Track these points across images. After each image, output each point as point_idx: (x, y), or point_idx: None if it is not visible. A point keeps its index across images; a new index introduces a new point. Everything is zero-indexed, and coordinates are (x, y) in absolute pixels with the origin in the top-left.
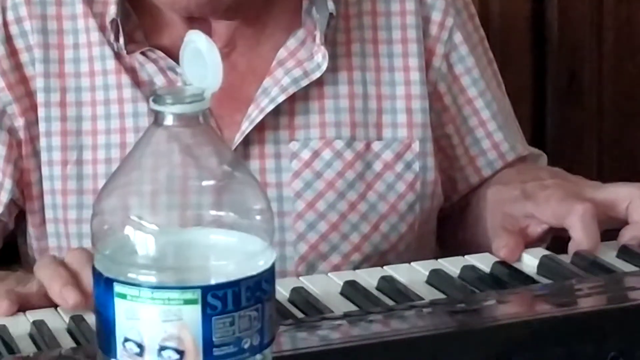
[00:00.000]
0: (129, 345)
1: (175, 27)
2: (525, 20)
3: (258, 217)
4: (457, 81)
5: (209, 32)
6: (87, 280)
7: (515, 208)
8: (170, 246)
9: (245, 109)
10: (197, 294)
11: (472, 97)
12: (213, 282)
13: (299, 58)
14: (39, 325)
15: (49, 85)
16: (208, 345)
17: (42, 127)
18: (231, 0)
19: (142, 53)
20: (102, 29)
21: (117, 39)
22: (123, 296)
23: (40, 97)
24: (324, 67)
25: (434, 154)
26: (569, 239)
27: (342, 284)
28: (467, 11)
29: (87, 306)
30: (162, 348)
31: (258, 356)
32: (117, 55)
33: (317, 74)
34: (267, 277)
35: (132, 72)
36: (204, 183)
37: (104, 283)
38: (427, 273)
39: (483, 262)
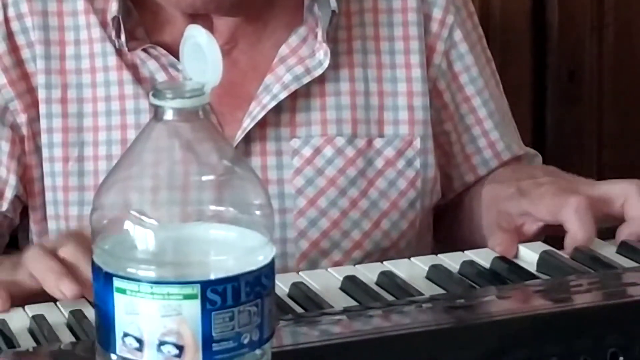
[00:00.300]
0: (128, 340)
1: (177, 24)
2: (525, 18)
3: (258, 213)
4: (456, 79)
5: (210, 28)
6: (85, 269)
7: (510, 206)
8: (169, 241)
9: (246, 106)
10: (196, 289)
11: (470, 95)
12: (212, 277)
13: (300, 55)
14: (38, 320)
15: (50, 82)
16: (207, 340)
17: (43, 123)
18: None
19: (144, 50)
20: (103, 25)
21: (118, 36)
22: (122, 291)
23: (41, 94)
24: (326, 64)
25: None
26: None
27: (341, 279)
28: (466, 9)
29: (87, 294)
30: (162, 343)
31: (257, 351)
32: (119, 52)
33: (319, 71)
34: (267, 272)
35: (133, 68)
36: (204, 178)
37: (104, 278)
38: (426, 268)
39: (483, 257)
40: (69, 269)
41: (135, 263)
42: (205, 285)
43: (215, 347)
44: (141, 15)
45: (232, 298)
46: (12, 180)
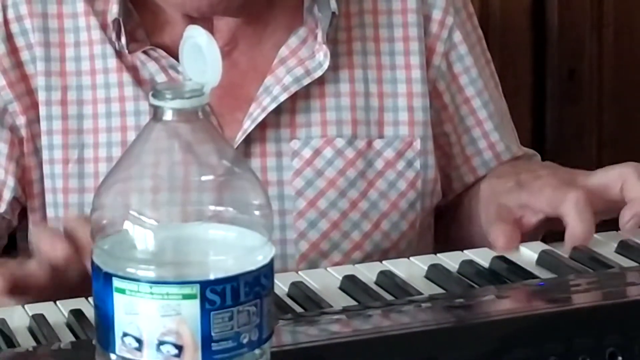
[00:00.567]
0: (127, 339)
1: (177, 26)
2: (525, 17)
3: (257, 213)
4: (456, 80)
5: (210, 29)
6: (84, 234)
7: (509, 198)
8: (169, 241)
9: (246, 108)
10: (195, 289)
11: (470, 97)
12: (212, 277)
13: (300, 56)
14: (38, 319)
15: (50, 84)
16: (207, 340)
17: (43, 125)
18: None
19: (144, 52)
20: (103, 27)
21: (118, 38)
22: (122, 291)
23: (41, 96)
24: (326, 65)
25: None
26: (564, 231)
27: (341, 278)
28: (466, 10)
29: (84, 259)
30: (161, 343)
31: (257, 351)
32: (119, 54)
33: (319, 73)
34: (266, 272)
35: (133, 70)
36: (203, 178)
37: (103, 278)
38: (426, 268)
39: (482, 257)
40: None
41: (134, 263)
42: (205, 285)
43: (215, 346)
44: (141, 17)
45: (232, 298)
46: (11, 182)
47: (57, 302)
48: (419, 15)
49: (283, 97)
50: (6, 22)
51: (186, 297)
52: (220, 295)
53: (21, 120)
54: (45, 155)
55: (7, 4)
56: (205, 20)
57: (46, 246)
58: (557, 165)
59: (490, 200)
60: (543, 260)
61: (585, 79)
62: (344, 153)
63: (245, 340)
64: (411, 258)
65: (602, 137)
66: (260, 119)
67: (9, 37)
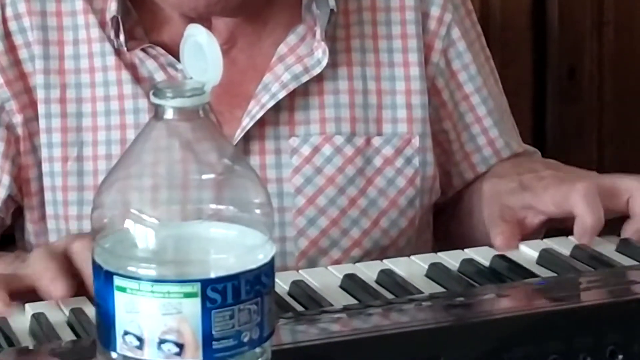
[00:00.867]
0: (128, 338)
1: (175, 24)
2: (525, 16)
3: (258, 211)
4: (455, 77)
5: (209, 28)
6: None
7: (512, 200)
8: (170, 240)
9: (245, 105)
10: (196, 288)
11: (469, 93)
12: (213, 275)
13: (299, 54)
14: (38, 318)
15: (48, 82)
16: (207, 338)
17: (42, 123)
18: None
19: (142, 49)
20: (102, 25)
21: (117, 36)
22: (123, 289)
23: (40, 94)
24: (324, 62)
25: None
26: (567, 231)
27: (341, 277)
28: (464, 7)
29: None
30: (162, 341)
31: (257, 349)
32: (117, 52)
33: (318, 70)
34: (267, 270)
35: (132, 68)
36: (204, 177)
37: (104, 276)
38: (426, 266)
39: (482, 255)
40: (74, 269)
41: (135, 261)
42: (206, 283)
43: (216, 345)
44: (140, 15)
45: (232, 296)
46: (6, 180)
47: (58, 301)
48: (417, 12)
49: (282, 95)
50: (4, 20)
51: (187, 295)
52: (221, 293)
53: (18, 119)
54: (44, 153)
55: (6, 2)
56: (203, 19)
57: (43, 284)
58: (559, 164)
59: (493, 200)
60: (543, 258)
61: (585, 77)
62: (342, 150)
63: (246, 339)
64: (412, 257)
65: (602, 136)
66: (259, 116)
67: (7, 35)
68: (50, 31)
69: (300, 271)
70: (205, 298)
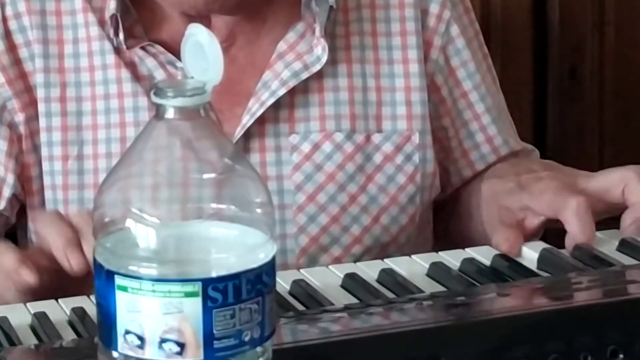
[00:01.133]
0: (129, 337)
1: (174, 22)
2: (526, 16)
3: (259, 210)
4: (453, 74)
5: (208, 26)
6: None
7: (510, 200)
8: (171, 239)
9: (245, 103)
10: (197, 287)
11: (467, 90)
12: (214, 274)
13: (298, 51)
14: (40, 316)
15: (48, 81)
16: (209, 337)
17: (42, 122)
18: None
19: (142, 48)
20: (101, 23)
21: (116, 34)
22: (124, 289)
23: (40, 93)
24: (324, 60)
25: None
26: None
27: (342, 276)
28: (463, 4)
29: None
30: (163, 340)
31: (258, 349)
32: (117, 50)
33: (317, 67)
34: (268, 270)
35: (131, 66)
36: (205, 176)
37: (105, 276)
38: (427, 266)
39: (483, 255)
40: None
41: (136, 261)
42: (207, 282)
43: (217, 344)
44: (139, 13)
45: (233, 296)
46: (10, 179)
47: (59, 300)
48: (416, 9)
49: (281, 92)
50: (4, 19)
51: (188, 294)
52: (222, 293)
53: (20, 118)
54: (44, 152)
55: (5, 2)
56: (202, 17)
57: (59, 250)
58: (557, 165)
59: (492, 200)
60: (544, 258)
61: (586, 77)
62: (342, 147)
63: (247, 338)
64: (412, 256)
65: (603, 135)
66: (259, 113)
67: (8, 35)
68: (49, 30)
69: (301, 270)
70: (206, 297)
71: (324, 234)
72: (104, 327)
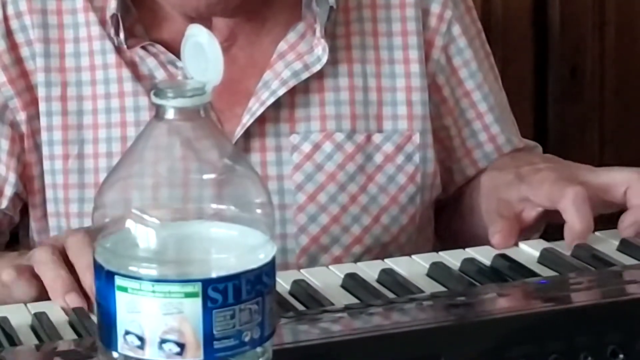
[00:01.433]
0: (129, 338)
1: (175, 22)
2: (527, 15)
3: (259, 211)
4: (455, 73)
5: (208, 26)
6: (89, 281)
7: (509, 192)
8: (171, 239)
9: (245, 103)
10: (197, 287)
11: (470, 90)
12: (214, 275)
13: (299, 51)
14: (40, 317)
15: (49, 80)
16: (208, 338)
17: (43, 121)
18: None
19: (143, 47)
20: (102, 23)
21: (117, 34)
22: (124, 289)
23: (41, 92)
24: (324, 60)
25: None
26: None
27: (342, 276)
28: (464, 4)
29: (90, 308)
30: (163, 341)
31: (258, 349)
32: (118, 49)
33: (318, 67)
34: (268, 270)
35: (132, 66)
36: (205, 176)
37: (105, 276)
38: (427, 266)
39: (483, 255)
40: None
41: (136, 261)
42: (207, 283)
43: (217, 344)
44: (140, 12)
45: (233, 296)
46: (12, 178)
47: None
48: (417, 9)
49: (282, 92)
50: (6, 18)
51: (188, 295)
52: (222, 293)
53: (22, 117)
54: (45, 151)
55: (7, 1)
56: (203, 18)
57: (57, 296)
58: (558, 158)
59: (491, 193)
60: (544, 258)
61: (587, 76)
62: (343, 147)
63: (247, 339)
64: (413, 256)
65: (603, 134)
66: (259, 113)
67: (9, 34)
68: (50, 29)
69: (301, 270)
70: (206, 298)
71: (325, 234)
72: (104, 327)
